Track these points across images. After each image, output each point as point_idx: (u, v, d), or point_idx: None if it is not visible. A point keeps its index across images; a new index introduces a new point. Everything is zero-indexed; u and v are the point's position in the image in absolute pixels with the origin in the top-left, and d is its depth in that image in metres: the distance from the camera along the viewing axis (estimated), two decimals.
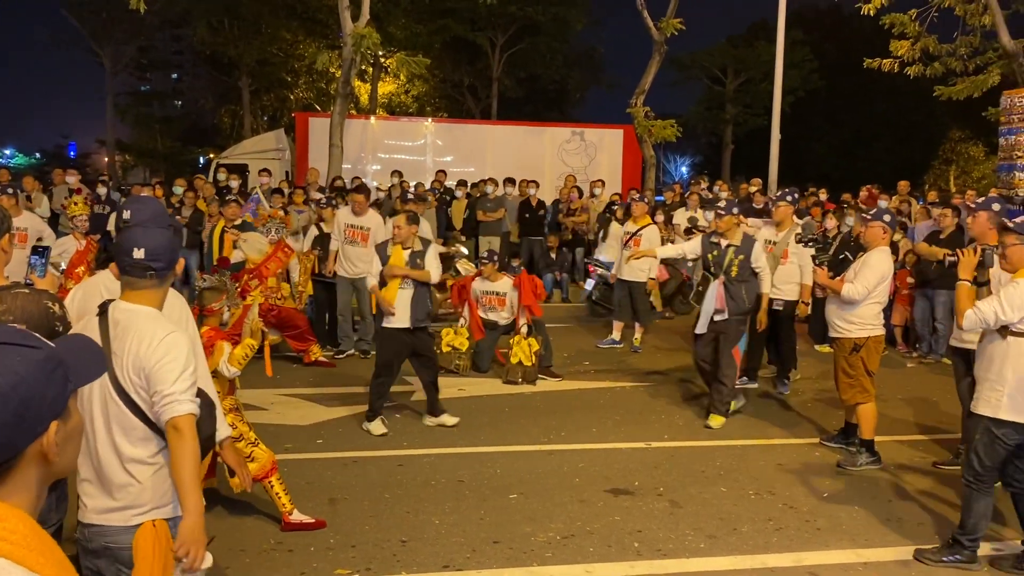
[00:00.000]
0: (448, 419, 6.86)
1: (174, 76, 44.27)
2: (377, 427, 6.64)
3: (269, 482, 4.76)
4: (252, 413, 6.31)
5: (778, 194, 8.55)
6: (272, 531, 4.77)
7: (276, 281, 8.44)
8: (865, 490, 5.67)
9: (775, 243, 7.91)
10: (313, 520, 4.83)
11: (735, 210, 7.26)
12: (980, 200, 6.07)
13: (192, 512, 2.56)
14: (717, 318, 6.98)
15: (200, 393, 2.72)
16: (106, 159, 38.23)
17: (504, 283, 8.81)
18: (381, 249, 6.90)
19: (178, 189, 12.68)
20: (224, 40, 27.75)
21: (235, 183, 13.49)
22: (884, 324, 6.30)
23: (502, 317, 8.82)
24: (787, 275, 7.84)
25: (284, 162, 18.59)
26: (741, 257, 6.95)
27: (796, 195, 8.67)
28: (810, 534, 4.94)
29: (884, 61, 16.58)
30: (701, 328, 7.11)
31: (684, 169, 46.57)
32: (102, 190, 12.79)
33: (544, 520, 5.03)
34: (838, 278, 6.20)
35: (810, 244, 7.26)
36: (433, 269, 6.86)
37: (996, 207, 5.80)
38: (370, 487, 5.51)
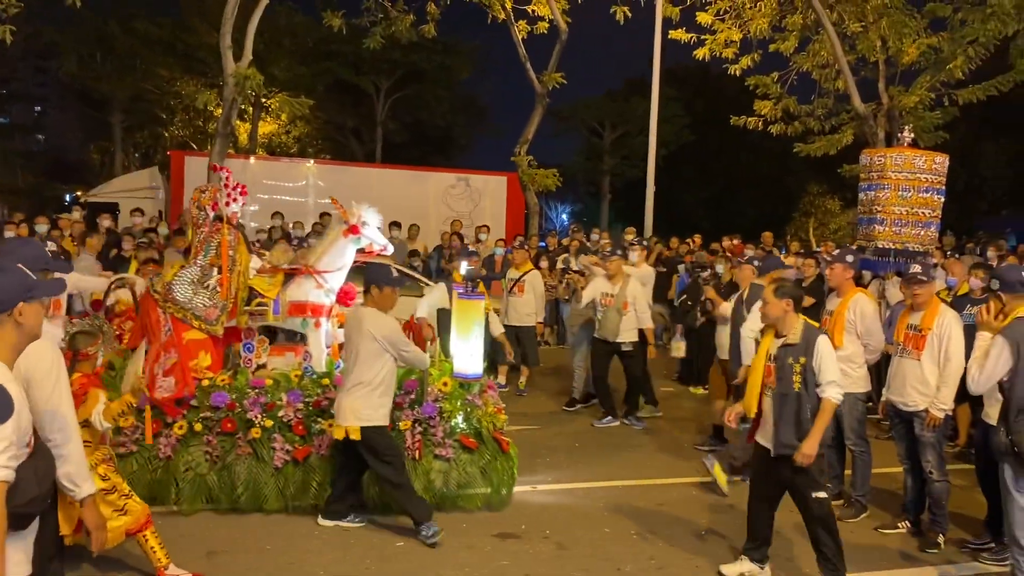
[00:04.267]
0: None
1: (37, 109, 42.06)
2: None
3: (143, 535, 4.54)
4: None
5: (607, 251, 9.08)
6: None
7: None
8: (741, 527, 5.91)
9: (613, 295, 8.54)
10: (190, 575, 4.64)
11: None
12: (836, 252, 6.62)
13: None
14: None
15: (37, 450, 2.55)
16: None
17: None
18: (735, 335, 5.07)
19: (41, 227, 11.96)
20: (95, 75, 26.61)
21: (107, 223, 12.89)
22: None
23: None
24: (629, 323, 8.56)
25: (158, 201, 17.91)
26: None
27: (620, 251, 9.36)
28: (691, 572, 5.11)
29: (749, 119, 17.70)
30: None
31: (564, 216, 47.67)
32: None
33: (433, 567, 5.00)
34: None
35: (698, 269, 8.88)
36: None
37: (850, 258, 6.37)
38: (251, 539, 5.33)
